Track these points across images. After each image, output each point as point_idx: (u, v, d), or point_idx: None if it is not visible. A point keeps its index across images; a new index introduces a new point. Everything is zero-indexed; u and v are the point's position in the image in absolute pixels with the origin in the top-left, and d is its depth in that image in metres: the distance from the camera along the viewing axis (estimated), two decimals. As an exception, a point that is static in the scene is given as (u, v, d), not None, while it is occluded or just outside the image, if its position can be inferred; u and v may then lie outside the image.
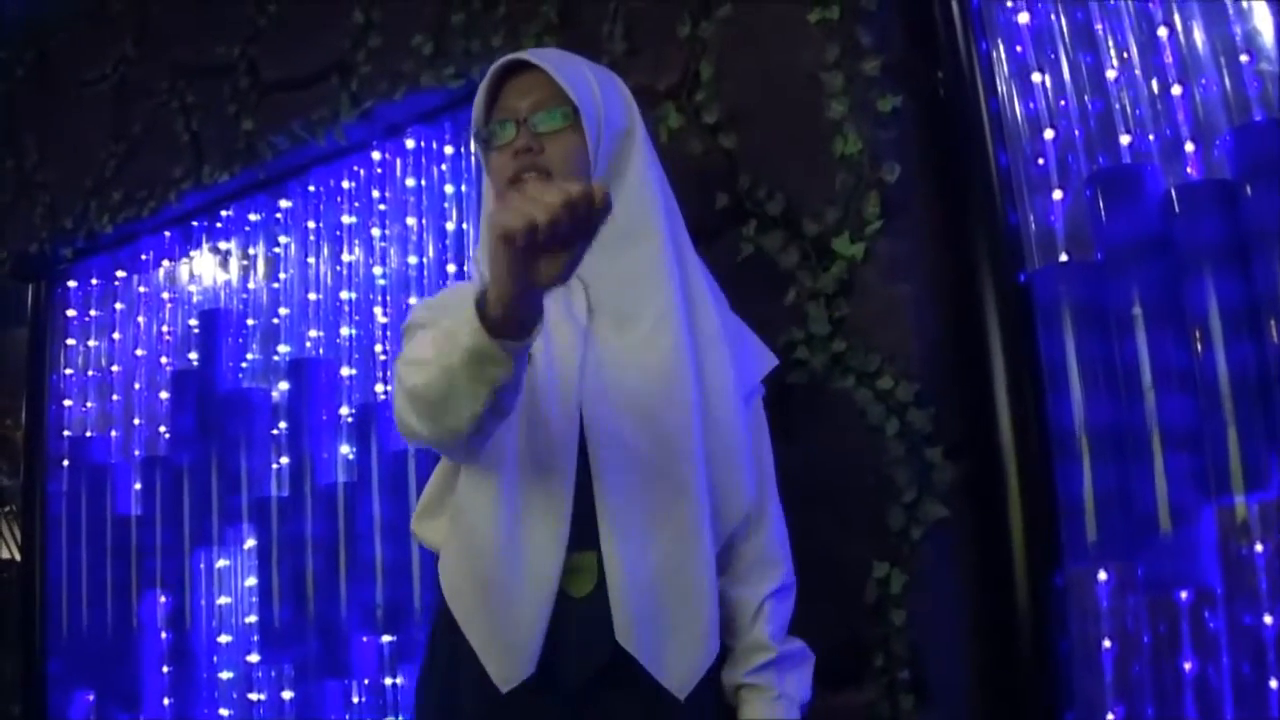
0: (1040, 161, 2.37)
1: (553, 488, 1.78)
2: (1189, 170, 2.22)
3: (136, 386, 4.10)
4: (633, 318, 1.85)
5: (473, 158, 3.22)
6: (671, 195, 1.94)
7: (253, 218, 3.79)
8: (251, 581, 3.52)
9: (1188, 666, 2.08)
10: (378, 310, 3.39)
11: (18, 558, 4.65)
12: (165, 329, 4.06)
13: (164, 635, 3.78)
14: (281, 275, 3.68)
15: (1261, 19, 2.19)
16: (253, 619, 3.51)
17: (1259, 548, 2.04)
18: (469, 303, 1.48)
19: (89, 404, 4.27)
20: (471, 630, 1.79)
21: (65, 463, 4.20)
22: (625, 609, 1.75)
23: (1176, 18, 2.26)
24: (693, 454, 1.81)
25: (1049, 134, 2.37)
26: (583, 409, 1.80)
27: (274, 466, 3.54)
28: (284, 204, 3.68)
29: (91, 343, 4.30)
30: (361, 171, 3.50)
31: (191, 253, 3.98)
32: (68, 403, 4.30)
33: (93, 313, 4.31)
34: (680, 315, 1.85)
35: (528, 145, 1.83)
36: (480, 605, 1.78)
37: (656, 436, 1.81)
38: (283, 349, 3.63)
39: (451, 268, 3.22)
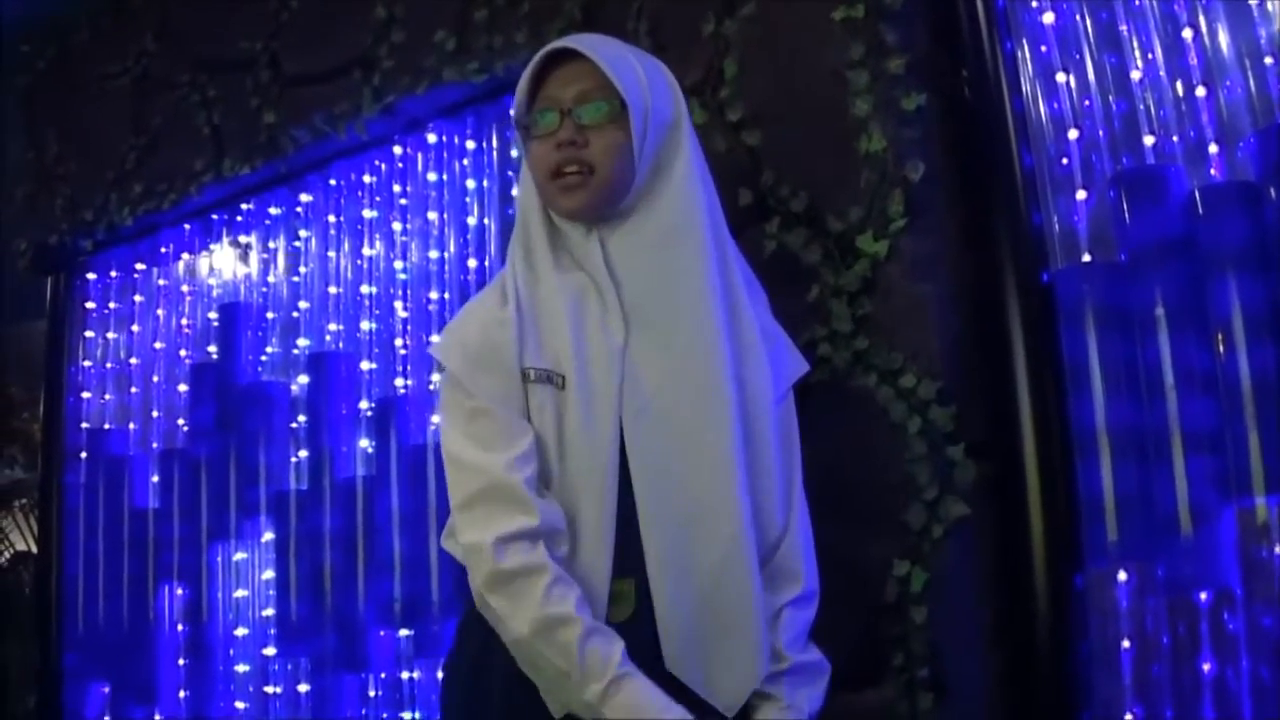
0: (1064, 162, 2.37)
1: (596, 515, 1.74)
2: (1212, 172, 2.22)
3: (155, 379, 4.11)
4: (671, 332, 1.80)
5: (494, 152, 3.24)
6: (713, 189, 1.92)
7: (273, 211, 3.80)
8: (269, 575, 3.53)
9: (1206, 668, 2.08)
10: (398, 305, 3.40)
11: (34, 550, 4.67)
12: (184, 322, 4.07)
13: (180, 628, 3.79)
14: (301, 269, 3.69)
15: (1287, 21, 2.19)
16: (270, 612, 3.52)
17: (1279, 550, 2.04)
18: None
19: (107, 396, 4.28)
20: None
21: (83, 455, 4.21)
22: (672, 636, 1.73)
23: (1201, 19, 2.27)
24: (735, 473, 1.77)
25: (1073, 134, 2.37)
26: (623, 431, 1.76)
27: (293, 460, 3.55)
28: (305, 198, 3.69)
29: (110, 335, 4.31)
30: (383, 166, 3.50)
31: (211, 246, 3.99)
32: (86, 395, 4.30)
33: (112, 305, 4.32)
34: (721, 327, 1.81)
35: (571, 138, 1.79)
36: None
37: (698, 457, 1.77)
38: (302, 343, 3.64)
39: (472, 262, 3.22)
